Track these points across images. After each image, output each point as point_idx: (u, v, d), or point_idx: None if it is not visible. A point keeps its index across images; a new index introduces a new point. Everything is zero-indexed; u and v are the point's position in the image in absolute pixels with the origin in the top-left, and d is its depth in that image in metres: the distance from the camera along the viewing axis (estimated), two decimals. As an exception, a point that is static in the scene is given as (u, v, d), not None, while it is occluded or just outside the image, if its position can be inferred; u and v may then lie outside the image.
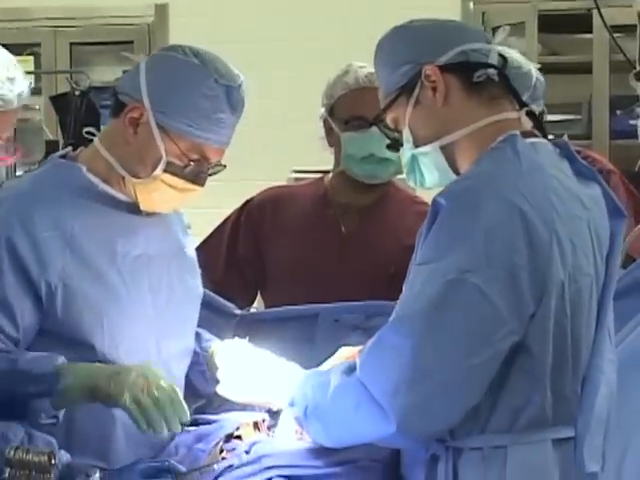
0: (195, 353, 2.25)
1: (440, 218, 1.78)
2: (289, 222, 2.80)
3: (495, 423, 1.80)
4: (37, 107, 5.50)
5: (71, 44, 6.02)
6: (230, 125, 2.06)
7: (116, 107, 2.09)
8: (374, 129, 2.06)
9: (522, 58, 2.76)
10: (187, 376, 2.22)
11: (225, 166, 2.11)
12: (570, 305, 1.80)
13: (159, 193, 2.07)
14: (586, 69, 5.18)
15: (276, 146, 5.43)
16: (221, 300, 2.54)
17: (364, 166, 2.72)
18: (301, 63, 5.44)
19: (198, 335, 2.28)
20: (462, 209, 1.77)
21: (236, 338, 2.25)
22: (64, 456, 1.87)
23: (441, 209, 1.79)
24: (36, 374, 1.90)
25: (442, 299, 1.74)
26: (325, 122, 2.80)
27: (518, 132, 1.87)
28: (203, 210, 2.87)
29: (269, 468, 1.94)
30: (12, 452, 1.75)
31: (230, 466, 1.97)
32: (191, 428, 2.09)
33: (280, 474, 1.93)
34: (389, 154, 2.53)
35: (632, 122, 4.39)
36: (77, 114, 4.82)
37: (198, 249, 2.37)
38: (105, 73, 5.55)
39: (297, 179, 3.85)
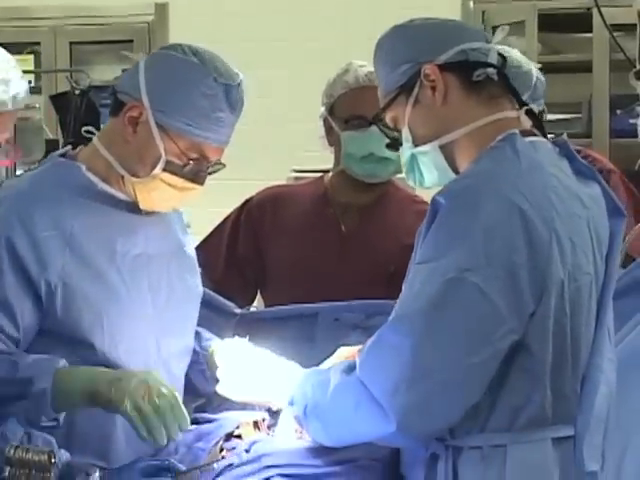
0: (195, 352, 2.25)
1: (439, 217, 1.78)
2: (289, 221, 2.80)
3: (495, 422, 1.80)
4: (37, 106, 5.49)
5: (71, 43, 6.02)
6: (229, 124, 2.06)
7: (115, 106, 2.09)
8: (374, 128, 2.06)
9: (522, 57, 2.76)
10: (187, 375, 2.22)
11: (224, 165, 2.11)
12: (570, 304, 1.80)
13: (158, 192, 2.07)
14: (586, 68, 5.18)
15: (276, 145, 5.43)
16: (221, 299, 2.54)
17: (364, 165, 2.72)
18: (301, 62, 5.44)
19: (198, 334, 2.28)
20: (461, 208, 1.77)
21: (236, 337, 2.25)
22: (64, 455, 1.87)
23: (440, 208, 1.79)
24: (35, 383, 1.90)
25: (442, 298, 1.74)
26: (325, 121, 2.80)
27: (517, 131, 1.87)
28: (203, 209, 2.87)
29: (269, 467, 1.94)
30: (12, 451, 1.75)
31: (230, 465, 1.97)
32: (191, 427, 2.09)
33: (280, 473, 1.93)
34: (389, 153, 2.52)
35: (632, 121, 4.39)
36: (77, 113, 4.81)
37: (198, 248, 2.37)
38: (105, 72, 5.55)
39: (297, 178, 3.85)
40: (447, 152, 1.91)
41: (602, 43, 5.07)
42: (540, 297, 1.76)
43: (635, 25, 3.04)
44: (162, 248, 2.16)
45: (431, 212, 1.81)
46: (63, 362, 1.93)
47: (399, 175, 2.50)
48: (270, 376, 2.09)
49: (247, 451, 2.01)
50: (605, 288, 1.89)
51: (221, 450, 2.05)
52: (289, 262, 2.76)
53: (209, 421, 2.17)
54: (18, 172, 4.48)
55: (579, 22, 5.16)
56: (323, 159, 2.97)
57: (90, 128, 2.15)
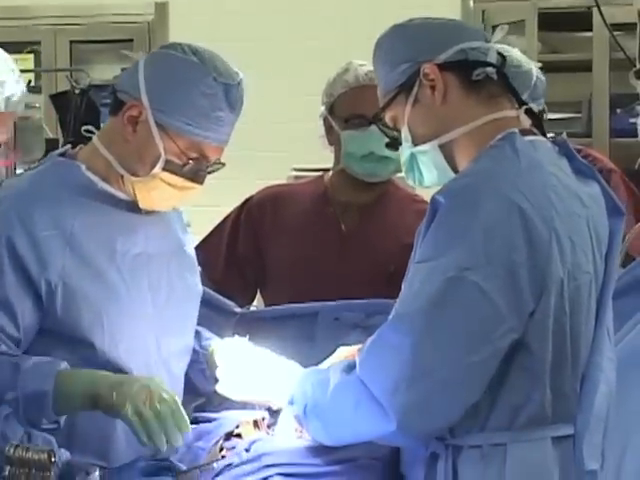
0: (195, 351, 2.25)
1: (439, 216, 1.78)
2: (289, 220, 2.80)
3: (495, 421, 1.80)
4: (37, 105, 5.49)
5: (71, 42, 6.02)
6: (229, 123, 2.06)
7: (115, 105, 2.09)
8: (374, 127, 2.06)
9: (523, 57, 2.76)
10: (187, 374, 2.22)
11: (224, 164, 2.11)
12: (569, 303, 1.80)
13: (158, 191, 2.07)
14: (586, 67, 5.18)
15: (276, 144, 5.43)
16: (221, 298, 2.54)
17: (364, 164, 2.72)
18: (301, 61, 5.43)
19: (198, 333, 2.28)
20: (461, 207, 1.77)
21: (236, 336, 2.25)
22: (64, 454, 1.87)
23: (440, 207, 1.79)
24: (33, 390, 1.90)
25: (441, 297, 1.74)
26: (325, 120, 2.80)
27: (517, 130, 1.87)
28: (203, 208, 2.87)
29: (269, 466, 1.94)
30: (12, 450, 1.75)
31: (230, 464, 1.97)
32: (191, 426, 2.09)
33: (280, 472, 1.93)
34: (389, 152, 2.51)
35: (632, 120, 4.39)
36: (77, 112, 4.81)
37: (198, 247, 2.38)
38: (105, 71, 5.55)
39: (297, 177, 3.85)
40: (446, 151, 1.91)
41: (602, 42, 5.07)
42: (540, 296, 1.76)
43: (635, 24, 3.05)
44: (162, 247, 2.16)
45: (430, 211, 1.81)
46: (65, 365, 1.92)
47: (399, 174, 2.50)
48: (270, 375, 2.10)
49: (247, 450, 2.01)
50: (604, 287, 1.89)
51: (221, 449, 2.05)
52: (289, 261, 2.76)
53: (209, 420, 2.17)
54: (18, 171, 4.49)
55: (579, 21, 5.16)
56: (323, 158, 2.97)
57: (90, 127, 2.15)
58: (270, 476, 1.93)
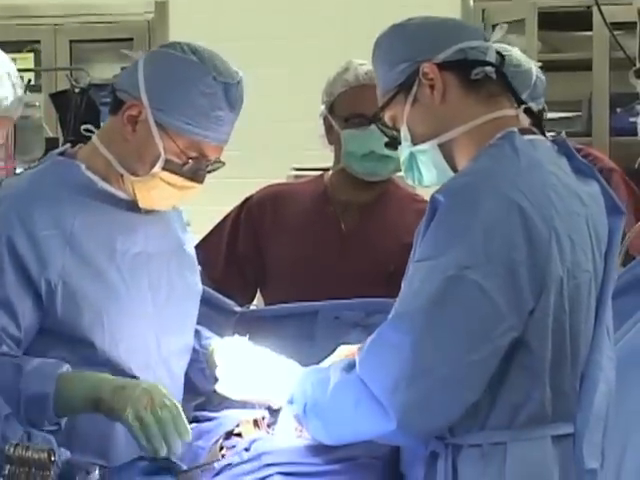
0: (195, 351, 2.25)
1: (439, 215, 1.78)
2: (289, 219, 2.80)
3: (494, 420, 1.80)
4: (37, 104, 5.50)
5: (71, 41, 6.02)
6: (229, 122, 2.06)
7: (114, 104, 2.09)
8: (374, 126, 2.07)
9: (522, 56, 2.76)
10: (187, 374, 2.22)
11: (224, 163, 2.11)
12: (569, 301, 1.80)
13: (158, 191, 2.07)
14: (586, 66, 5.18)
15: (276, 144, 5.43)
16: (221, 297, 2.54)
17: (364, 163, 2.73)
18: (301, 61, 5.43)
19: (198, 332, 2.28)
20: (460, 206, 1.77)
21: (236, 335, 2.25)
22: (64, 453, 1.87)
23: (439, 206, 1.79)
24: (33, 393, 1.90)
25: (441, 296, 1.74)
26: (325, 120, 2.80)
27: (516, 129, 1.87)
28: (203, 207, 2.87)
29: (269, 465, 1.94)
30: (12, 449, 1.75)
31: (230, 464, 1.97)
32: (191, 425, 2.09)
33: (280, 471, 1.93)
34: (389, 151, 2.52)
35: (632, 119, 4.39)
36: (77, 111, 4.81)
37: (198, 247, 2.37)
38: (105, 70, 5.55)
39: (297, 177, 3.85)
40: (446, 150, 1.91)
41: (602, 41, 5.07)
42: (539, 294, 1.76)
43: (635, 23, 3.05)
44: (162, 246, 2.16)
45: (430, 210, 1.81)
46: (67, 367, 1.92)
47: (399, 173, 2.50)
48: (270, 374, 2.09)
49: (247, 449, 2.01)
50: (604, 286, 1.89)
51: (221, 448, 2.05)
52: (289, 260, 2.76)
53: (209, 419, 2.17)
54: (18, 170, 4.49)
55: (579, 20, 5.16)
56: (323, 157, 2.97)
57: (90, 127, 2.15)
58: (270, 475, 1.93)
